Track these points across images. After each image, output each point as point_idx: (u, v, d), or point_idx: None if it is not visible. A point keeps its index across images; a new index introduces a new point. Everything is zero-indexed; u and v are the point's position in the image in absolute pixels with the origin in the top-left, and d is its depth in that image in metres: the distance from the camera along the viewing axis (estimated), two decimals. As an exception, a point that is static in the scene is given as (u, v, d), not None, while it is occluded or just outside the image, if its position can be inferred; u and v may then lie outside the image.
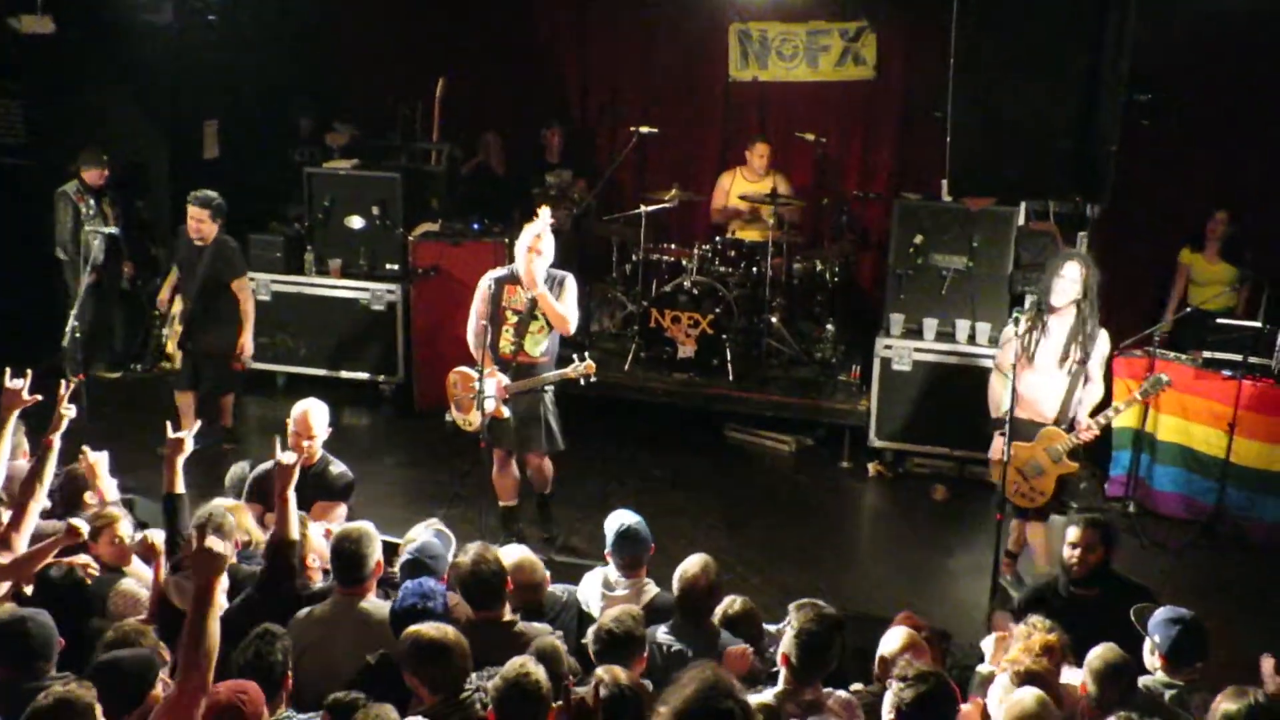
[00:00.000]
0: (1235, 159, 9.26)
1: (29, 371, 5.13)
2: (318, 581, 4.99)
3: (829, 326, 9.33)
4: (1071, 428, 6.35)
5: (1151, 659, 4.53)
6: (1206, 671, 4.53)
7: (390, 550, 5.11)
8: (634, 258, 9.49)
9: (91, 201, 9.25)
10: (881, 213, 9.92)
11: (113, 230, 9.14)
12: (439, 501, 7.45)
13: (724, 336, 8.85)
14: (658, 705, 3.37)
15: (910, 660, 4.05)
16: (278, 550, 4.71)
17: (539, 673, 3.74)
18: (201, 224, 7.94)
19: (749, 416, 8.99)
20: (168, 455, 5.05)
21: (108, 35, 9.48)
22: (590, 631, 4.43)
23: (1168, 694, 4.44)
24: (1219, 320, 7.91)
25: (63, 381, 5.04)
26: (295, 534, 4.76)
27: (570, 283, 6.68)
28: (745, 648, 4.67)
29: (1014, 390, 6.00)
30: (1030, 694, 3.89)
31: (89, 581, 4.97)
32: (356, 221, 9.45)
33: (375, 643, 4.44)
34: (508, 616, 4.66)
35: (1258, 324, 7.84)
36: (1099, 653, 4.24)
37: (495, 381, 6.55)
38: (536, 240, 6.51)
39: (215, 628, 3.71)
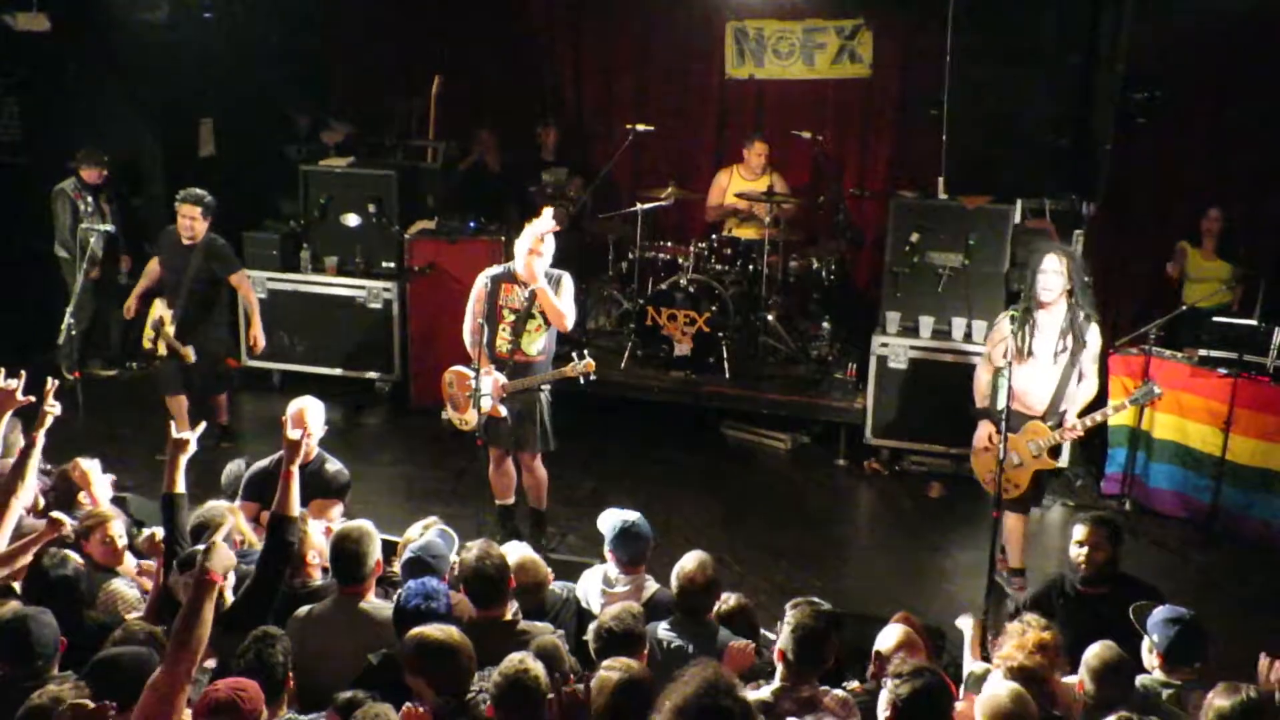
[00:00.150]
0: (1230, 157, 9.27)
1: (23, 372, 5.11)
2: (316, 579, 4.98)
3: (825, 324, 9.34)
4: (1060, 423, 6.35)
5: (1150, 658, 4.53)
6: (1204, 671, 4.54)
7: (388, 549, 5.11)
8: (630, 256, 9.49)
9: (89, 199, 9.27)
10: (878, 211, 9.91)
11: (109, 228, 9.14)
12: (435, 499, 7.46)
13: (720, 334, 8.85)
14: (659, 702, 3.38)
15: (905, 658, 4.07)
16: (278, 525, 4.70)
17: (537, 669, 3.75)
18: (194, 222, 7.90)
19: (745, 414, 9.00)
20: (170, 454, 5.02)
21: (103, 33, 9.47)
22: (591, 629, 4.44)
23: (1165, 693, 4.44)
24: (1215, 318, 7.92)
25: (48, 379, 5.01)
26: (296, 511, 4.76)
27: (567, 281, 6.68)
28: (746, 643, 4.68)
29: (1010, 387, 5.98)
30: (1005, 688, 3.89)
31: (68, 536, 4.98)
32: (352, 219, 9.44)
33: (376, 642, 4.43)
34: (509, 615, 4.66)
35: (1253, 321, 7.86)
36: (1096, 651, 4.24)
37: (492, 380, 6.54)
38: (538, 242, 6.49)
39: (208, 619, 3.72)
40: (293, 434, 4.90)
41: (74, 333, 8.27)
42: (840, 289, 9.78)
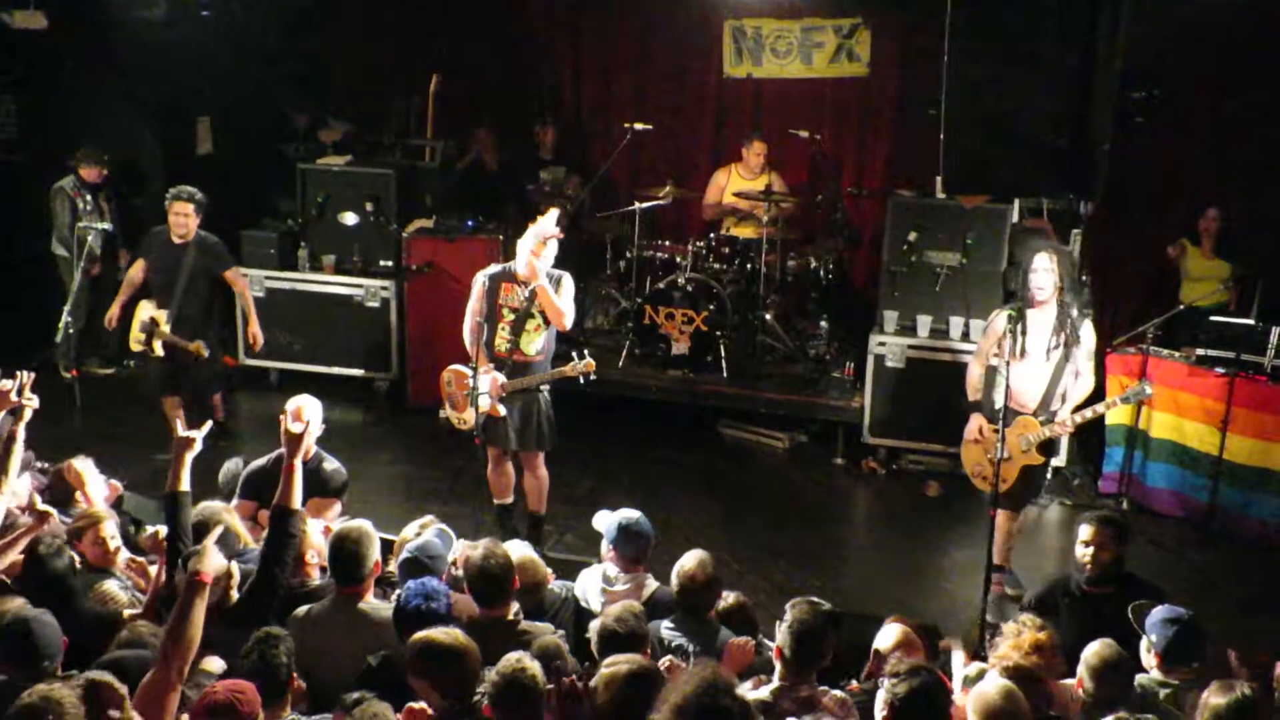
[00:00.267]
0: (1228, 156, 9.27)
1: (17, 373, 5.10)
2: (315, 579, 4.98)
3: (823, 323, 9.34)
4: (1051, 419, 6.34)
5: (1148, 657, 4.54)
6: (1201, 670, 4.54)
7: (385, 548, 5.10)
8: (628, 254, 9.48)
9: (88, 197, 9.27)
10: (876, 210, 9.91)
11: (107, 226, 9.13)
12: (433, 499, 7.47)
13: (718, 333, 8.85)
14: (658, 701, 3.39)
15: (901, 657, 4.07)
16: (281, 518, 4.70)
17: (534, 668, 3.75)
18: (187, 219, 7.87)
19: (743, 413, 9.00)
20: (175, 453, 5.02)
21: (100, 31, 9.46)
22: (593, 630, 4.43)
23: (1162, 693, 4.45)
24: (1212, 318, 7.92)
25: (20, 372, 4.99)
26: (298, 504, 4.75)
27: (567, 281, 6.66)
28: (747, 640, 4.68)
29: (1007, 385, 5.98)
30: (996, 686, 3.89)
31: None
32: (350, 218, 9.44)
33: (374, 642, 4.43)
34: (511, 615, 4.66)
35: (1250, 321, 7.86)
36: (1096, 650, 4.24)
37: (491, 379, 6.54)
38: (541, 245, 6.48)
39: (199, 621, 3.71)
40: (294, 427, 4.91)
41: (71, 331, 8.26)
42: (838, 288, 9.78)
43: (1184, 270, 8.97)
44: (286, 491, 4.73)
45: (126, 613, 4.75)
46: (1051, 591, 5.42)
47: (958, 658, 5.00)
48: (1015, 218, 8.50)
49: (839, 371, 9.01)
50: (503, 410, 6.58)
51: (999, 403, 6.32)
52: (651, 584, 5.22)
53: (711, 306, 8.83)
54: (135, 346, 8.05)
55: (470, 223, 9.25)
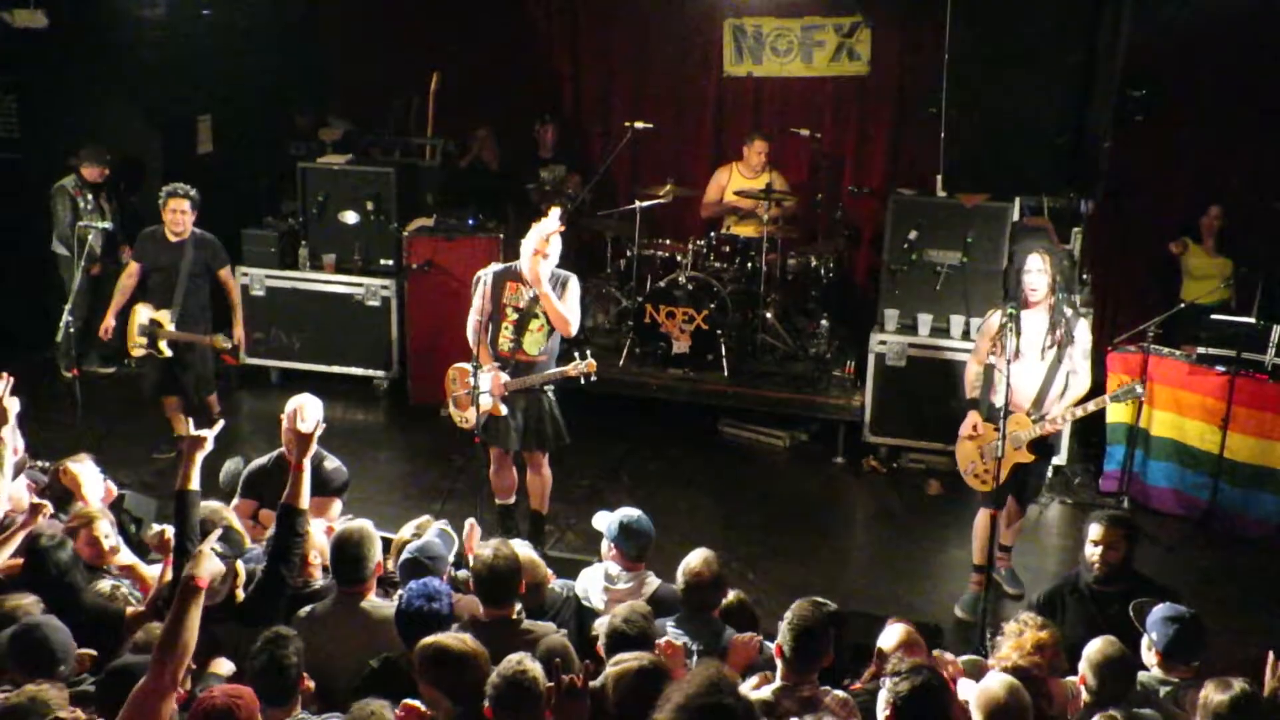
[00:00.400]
0: (1229, 153, 9.26)
1: (8, 377, 5.09)
2: (318, 579, 4.98)
3: (823, 322, 9.33)
4: (1044, 419, 6.33)
5: (1149, 655, 4.54)
6: (1202, 669, 4.54)
7: (384, 547, 5.11)
8: (628, 253, 9.48)
9: (89, 196, 9.27)
10: (876, 208, 9.91)
11: (108, 225, 9.14)
12: (433, 497, 7.46)
13: (718, 332, 8.85)
14: (661, 700, 3.40)
15: (902, 656, 4.07)
16: (287, 516, 4.71)
17: (535, 669, 3.74)
18: (185, 216, 7.85)
19: (743, 412, 9.00)
20: (186, 452, 5.00)
21: (100, 29, 9.45)
22: (601, 630, 4.42)
23: (1163, 690, 4.45)
24: (1213, 316, 7.92)
25: (2, 375, 4.98)
26: (306, 503, 4.75)
27: (573, 284, 6.63)
28: (753, 636, 4.69)
29: (1008, 384, 5.97)
30: (1000, 682, 3.89)
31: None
32: (350, 217, 9.43)
33: (377, 641, 4.44)
34: (514, 614, 4.66)
35: (1251, 319, 7.86)
36: (1098, 646, 4.24)
37: (493, 377, 6.53)
38: (544, 243, 6.47)
39: (193, 626, 3.70)
40: (304, 427, 4.90)
41: (72, 330, 8.26)
42: (839, 286, 9.79)
43: (1186, 268, 8.97)
44: (294, 491, 4.73)
45: (130, 610, 4.75)
46: (1060, 589, 5.42)
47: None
48: (1016, 216, 8.50)
49: (839, 370, 9.01)
50: (504, 409, 6.58)
51: (996, 401, 6.35)
52: (653, 582, 5.22)
53: (712, 305, 8.83)
54: (137, 351, 7.99)
55: (471, 221, 9.25)
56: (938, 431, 8.20)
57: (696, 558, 4.88)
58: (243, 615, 4.58)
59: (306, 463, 4.78)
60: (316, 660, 4.39)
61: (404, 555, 4.99)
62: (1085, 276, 8.88)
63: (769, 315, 9.24)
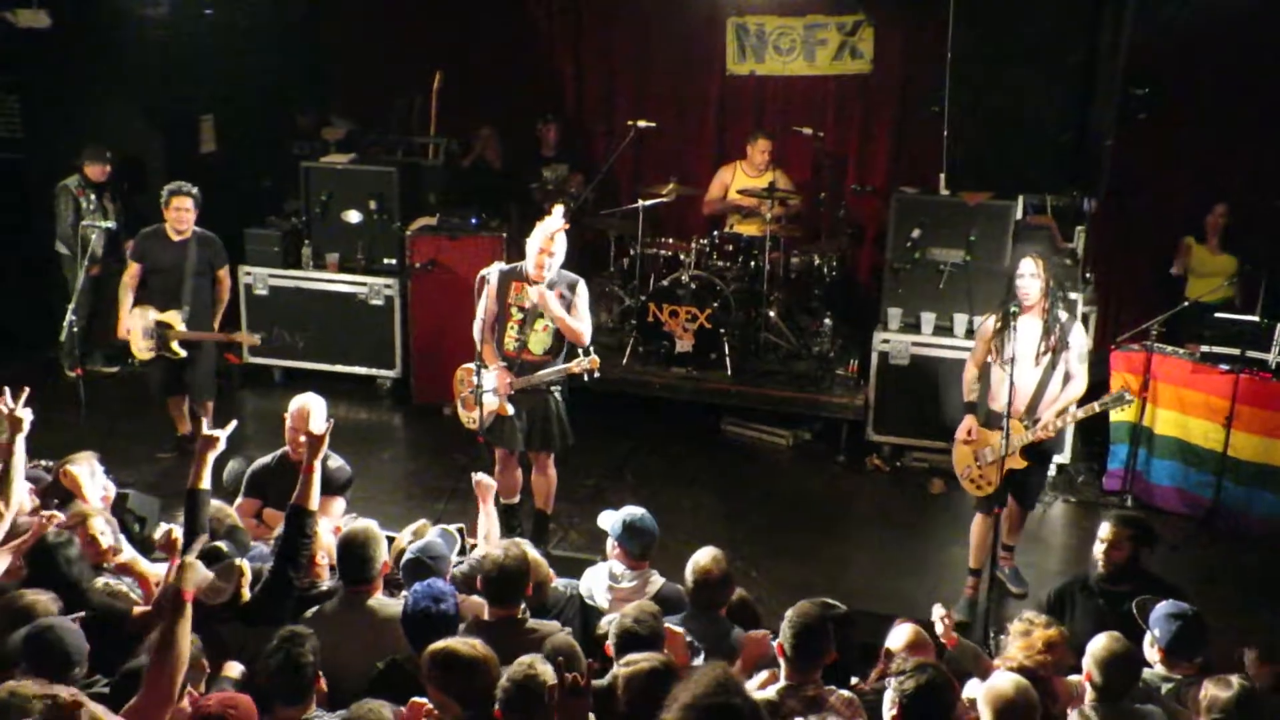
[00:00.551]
0: (1233, 151, 9.25)
1: (25, 390, 5.11)
2: (325, 579, 4.98)
3: (827, 321, 9.33)
4: (1038, 420, 6.31)
5: (1151, 652, 4.55)
6: (1204, 665, 4.54)
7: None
8: (631, 252, 9.48)
9: (92, 196, 9.27)
10: (879, 207, 9.91)
11: (111, 225, 9.15)
12: (436, 497, 7.46)
13: (722, 331, 8.85)
14: (668, 700, 3.40)
15: (906, 656, 4.08)
16: (295, 517, 4.71)
17: (546, 671, 3.75)
18: (188, 214, 7.83)
19: (747, 411, 9.00)
20: (198, 451, 5.05)
21: (103, 29, 9.46)
22: (611, 629, 4.41)
23: (1165, 687, 4.46)
24: (1216, 314, 7.92)
25: (6, 390, 4.98)
26: (315, 505, 4.76)
27: (582, 289, 6.62)
28: (765, 632, 4.69)
29: (1010, 385, 5.96)
30: (1008, 680, 3.90)
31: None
32: (353, 216, 9.43)
33: (384, 640, 4.45)
34: (520, 614, 4.66)
35: (1255, 317, 7.86)
36: (1103, 642, 4.23)
37: (498, 375, 6.52)
38: (549, 241, 6.47)
39: (185, 638, 3.70)
40: (317, 428, 4.91)
41: (75, 330, 8.25)
42: (842, 285, 9.78)
43: (1190, 267, 8.96)
44: (304, 492, 4.74)
45: (136, 610, 4.75)
46: (1070, 587, 5.41)
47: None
48: (1019, 214, 8.50)
49: (843, 369, 9.01)
50: (510, 409, 6.57)
51: (993, 405, 6.35)
52: (657, 580, 5.22)
53: (715, 304, 8.83)
54: (145, 355, 7.91)
55: (473, 220, 9.25)
56: (941, 430, 8.18)
57: (705, 555, 4.88)
58: (248, 615, 4.59)
59: (318, 464, 4.79)
60: (323, 659, 4.39)
61: (406, 555, 5.00)
62: (1088, 275, 8.88)
63: (772, 314, 9.24)
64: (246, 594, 4.64)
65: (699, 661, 4.45)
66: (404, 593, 4.83)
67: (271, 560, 4.83)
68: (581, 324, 6.57)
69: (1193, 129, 9.28)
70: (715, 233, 9.46)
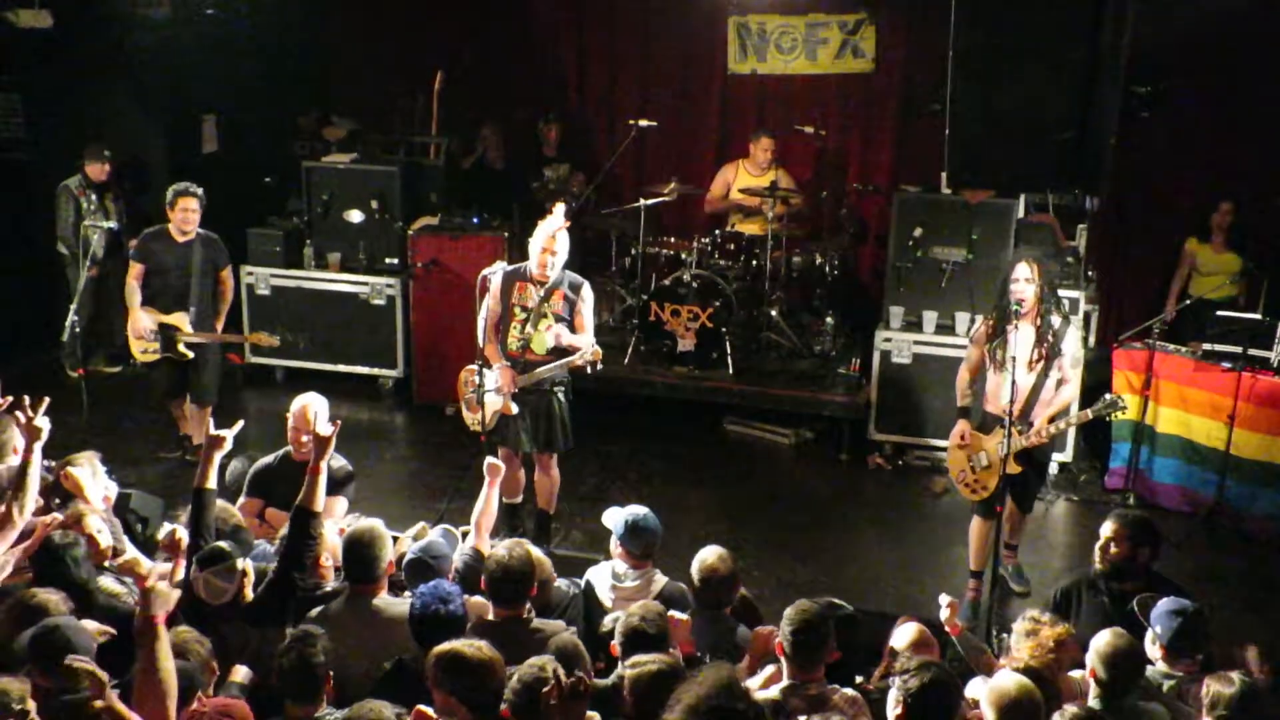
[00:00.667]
0: (1235, 149, 9.24)
1: (44, 400, 5.12)
2: (330, 581, 4.99)
3: (829, 319, 9.33)
4: (1032, 426, 6.27)
5: (1153, 649, 4.54)
6: (1207, 664, 4.54)
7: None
8: (633, 251, 9.48)
9: (93, 196, 9.26)
10: (881, 206, 9.91)
11: (112, 225, 9.15)
12: (438, 496, 7.46)
13: (723, 330, 8.85)
14: (671, 701, 3.40)
15: (910, 655, 4.08)
16: (301, 518, 4.72)
17: (556, 672, 3.75)
18: (194, 214, 7.77)
19: (748, 410, 9.00)
20: (205, 450, 5.07)
21: (105, 29, 9.47)
22: (618, 628, 4.41)
23: (1166, 684, 4.46)
24: (1219, 312, 7.91)
25: (25, 399, 4.98)
26: (320, 506, 4.77)
27: (587, 292, 6.62)
28: (772, 629, 4.69)
29: (1013, 386, 5.95)
30: (1012, 680, 3.90)
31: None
32: (355, 215, 9.44)
33: (389, 640, 4.45)
34: (525, 614, 4.66)
35: (1258, 316, 7.85)
36: (1107, 638, 4.23)
37: (501, 371, 6.51)
38: (551, 240, 6.47)
39: (165, 662, 3.68)
40: (324, 429, 4.91)
41: (77, 330, 8.25)
42: (843, 284, 9.77)
43: (1195, 265, 8.96)
44: (310, 494, 4.74)
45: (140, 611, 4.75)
46: (1077, 584, 5.39)
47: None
48: (1021, 213, 8.49)
49: (845, 367, 9.00)
50: (515, 408, 6.57)
51: (989, 407, 6.35)
52: (661, 580, 5.22)
53: (717, 303, 8.82)
54: (148, 357, 7.83)
55: (475, 220, 9.25)
56: (943, 429, 8.18)
57: (711, 553, 4.89)
58: (252, 615, 4.59)
59: (324, 466, 4.79)
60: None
61: (409, 555, 5.01)
62: (1090, 273, 8.87)
63: (774, 313, 9.23)
64: (249, 594, 4.65)
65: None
66: (407, 593, 4.84)
67: (275, 560, 4.84)
68: (585, 336, 6.57)
69: (1195, 127, 9.27)
70: (717, 232, 9.45)
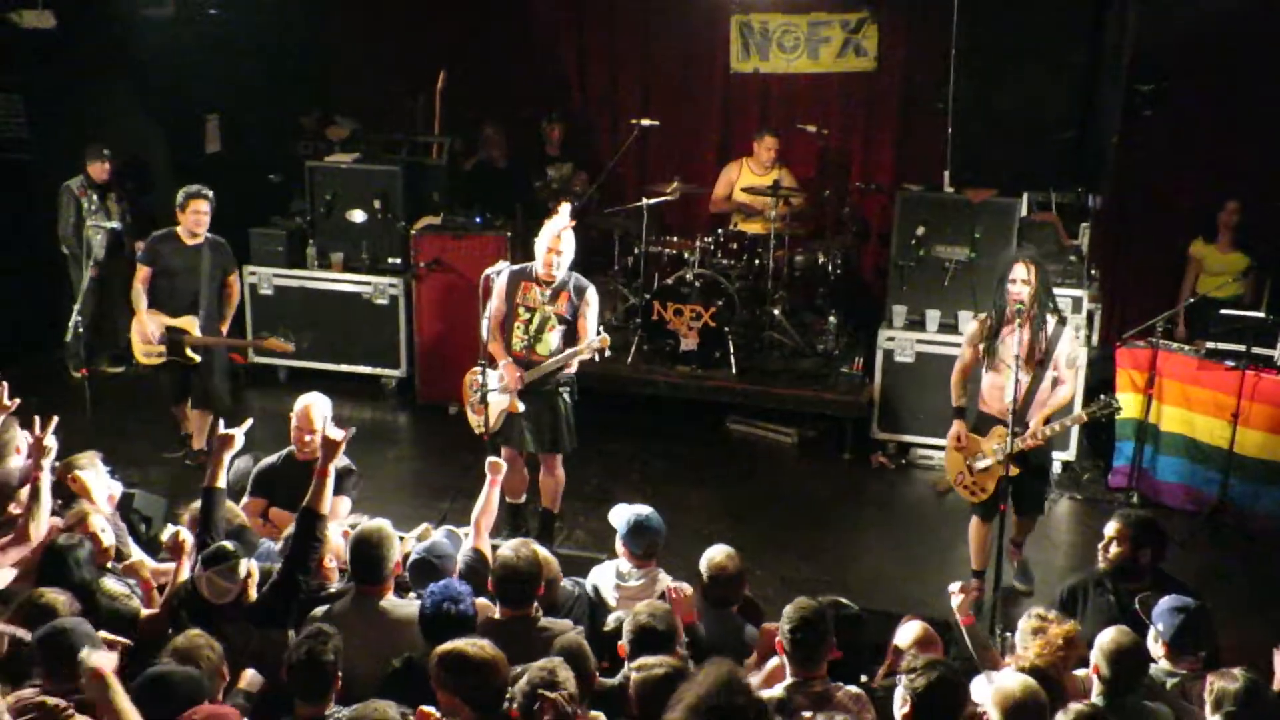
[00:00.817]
0: (1239, 148, 9.22)
1: (53, 419, 5.14)
2: (334, 582, 4.99)
3: (831, 318, 9.33)
4: (1027, 427, 6.25)
5: (1155, 647, 4.54)
6: (1210, 661, 4.54)
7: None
8: (635, 250, 9.48)
9: (94, 196, 9.25)
10: (883, 204, 9.90)
11: (114, 225, 9.15)
12: (441, 496, 7.46)
13: (726, 329, 8.85)
14: (673, 699, 3.40)
15: (916, 653, 4.08)
16: (306, 520, 4.73)
17: (566, 676, 3.76)
18: (205, 217, 7.75)
19: (751, 409, 9.00)
20: (215, 450, 5.11)
21: (108, 30, 9.47)
22: (625, 626, 4.41)
23: (1169, 682, 4.46)
24: (1222, 311, 7.90)
25: (36, 418, 4.99)
26: (326, 509, 4.78)
27: (592, 296, 6.61)
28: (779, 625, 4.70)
29: (1016, 385, 5.94)
30: (1016, 680, 3.90)
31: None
32: (358, 215, 9.45)
33: (397, 641, 4.46)
34: (532, 613, 4.66)
35: (1261, 314, 7.84)
36: (1112, 635, 4.23)
37: (506, 368, 6.51)
38: (557, 240, 6.46)
39: (125, 709, 3.68)
40: (334, 433, 4.92)
41: (81, 330, 8.25)
42: (846, 283, 9.77)
43: (1201, 264, 8.96)
44: (317, 496, 4.75)
45: (144, 612, 4.76)
46: (1084, 583, 5.39)
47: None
48: (1024, 212, 8.49)
49: (848, 366, 9.01)
50: (522, 406, 6.56)
51: (985, 407, 6.34)
52: (665, 579, 5.22)
53: (720, 302, 8.82)
54: (153, 361, 7.79)
55: (478, 219, 9.25)
56: (946, 428, 8.15)
57: (720, 552, 4.90)
58: (255, 616, 4.60)
59: (331, 469, 4.80)
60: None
61: (413, 556, 5.01)
62: (1093, 272, 8.87)
63: (777, 312, 9.23)
64: (253, 594, 4.65)
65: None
66: (412, 594, 4.85)
67: (278, 560, 4.84)
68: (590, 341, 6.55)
69: (1198, 126, 9.25)
70: (720, 231, 9.45)
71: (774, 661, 4.41)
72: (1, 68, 9.72)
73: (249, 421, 5.32)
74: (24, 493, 5.04)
